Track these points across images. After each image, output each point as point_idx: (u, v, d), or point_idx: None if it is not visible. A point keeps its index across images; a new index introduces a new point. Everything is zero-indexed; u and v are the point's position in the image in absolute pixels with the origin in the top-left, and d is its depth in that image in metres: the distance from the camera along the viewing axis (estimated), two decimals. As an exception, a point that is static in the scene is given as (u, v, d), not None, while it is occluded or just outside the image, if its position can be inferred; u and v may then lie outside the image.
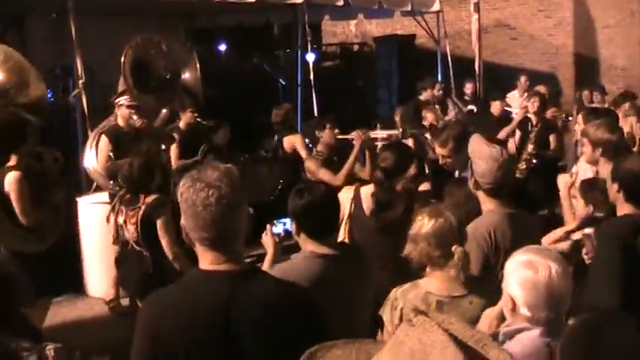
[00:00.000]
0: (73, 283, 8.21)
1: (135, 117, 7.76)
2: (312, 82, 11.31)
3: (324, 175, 7.38)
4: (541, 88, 11.53)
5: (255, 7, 11.88)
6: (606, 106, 11.61)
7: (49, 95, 11.40)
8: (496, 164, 4.34)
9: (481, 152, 4.44)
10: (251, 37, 16.59)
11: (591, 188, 5.12)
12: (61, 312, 7.64)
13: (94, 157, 7.96)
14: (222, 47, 16.73)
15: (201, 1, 10.26)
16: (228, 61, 16.07)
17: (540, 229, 4.92)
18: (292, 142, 8.52)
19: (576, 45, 17.34)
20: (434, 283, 3.65)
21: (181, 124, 9.12)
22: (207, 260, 2.77)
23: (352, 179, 7.07)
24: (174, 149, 8.75)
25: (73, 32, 8.53)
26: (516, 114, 10.22)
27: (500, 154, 4.39)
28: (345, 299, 3.84)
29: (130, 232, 6.10)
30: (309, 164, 7.76)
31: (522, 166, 9.27)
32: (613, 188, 4.35)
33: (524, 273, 2.87)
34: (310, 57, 11.88)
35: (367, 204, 5.53)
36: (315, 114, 10.87)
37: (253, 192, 8.09)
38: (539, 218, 4.86)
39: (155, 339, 2.67)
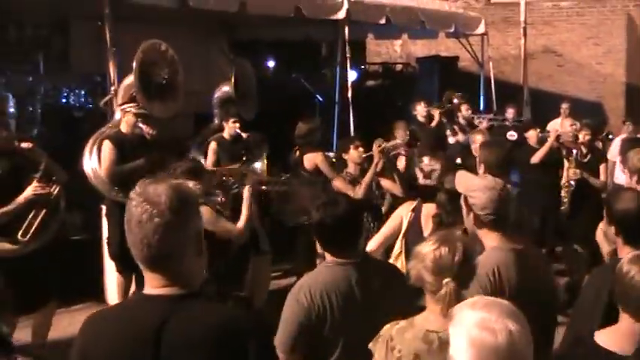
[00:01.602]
0: (94, 290, 8.15)
1: (141, 125, 7.71)
2: (350, 100, 11.22)
3: (347, 190, 7.55)
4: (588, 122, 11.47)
5: (296, 22, 11.83)
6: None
7: (88, 101, 11.56)
8: (495, 192, 4.06)
9: (474, 185, 4.21)
10: (297, 53, 16.57)
11: None
12: (78, 320, 7.54)
13: (95, 162, 7.86)
14: (271, 63, 16.76)
15: (240, 14, 10.17)
16: (269, 76, 16.07)
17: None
18: (313, 160, 8.35)
19: (626, 74, 17.02)
20: (431, 319, 3.35)
21: (225, 134, 9.21)
22: (148, 283, 2.58)
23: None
24: (210, 158, 8.79)
25: (108, 39, 8.51)
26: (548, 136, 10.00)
27: (494, 183, 4.15)
28: (368, 305, 3.82)
29: None
30: (337, 183, 7.91)
31: (565, 189, 9.17)
32: (610, 231, 4.09)
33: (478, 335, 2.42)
34: (351, 75, 11.77)
35: (426, 223, 5.48)
36: (352, 132, 10.81)
37: (294, 212, 8.04)
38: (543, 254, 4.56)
39: None
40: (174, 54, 8.63)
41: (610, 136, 11.46)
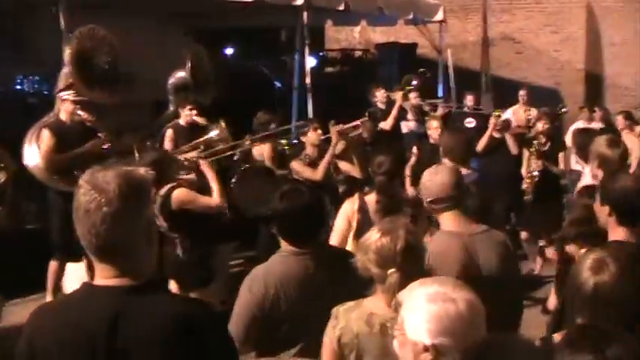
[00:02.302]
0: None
1: (80, 112, 7.60)
2: (309, 87, 11.18)
3: (306, 172, 7.74)
4: (530, 109, 11.97)
5: (255, 8, 11.74)
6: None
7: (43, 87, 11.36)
8: (443, 175, 4.25)
9: (425, 176, 4.35)
10: (258, 40, 16.47)
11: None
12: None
13: (35, 151, 7.63)
14: (229, 50, 16.62)
15: (198, 1, 10.08)
16: (228, 63, 15.94)
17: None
18: (261, 150, 8.40)
19: (582, 61, 17.19)
20: (377, 304, 3.34)
21: (181, 121, 9.11)
22: (98, 274, 2.49)
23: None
24: (167, 145, 8.69)
25: (63, 25, 8.38)
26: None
27: (442, 168, 4.35)
28: (324, 294, 3.72)
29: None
30: (295, 165, 8.00)
31: (528, 181, 9.23)
32: (603, 211, 4.01)
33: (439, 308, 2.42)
34: (310, 61, 11.72)
35: (372, 211, 5.49)
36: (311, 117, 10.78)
37: (253, 203, 8.00)
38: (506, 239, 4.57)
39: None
40: (113, 38, 8.41)
41: (564, 109, 11.67)
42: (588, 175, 6.58)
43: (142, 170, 2.55)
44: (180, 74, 10.15)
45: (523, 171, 9.57)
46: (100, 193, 2.36)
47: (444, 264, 3.96)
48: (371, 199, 5.55)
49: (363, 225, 5.34)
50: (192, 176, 6.88)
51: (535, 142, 9.48)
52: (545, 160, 9.42)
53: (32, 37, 11.70)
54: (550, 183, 9.46)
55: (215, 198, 6.36)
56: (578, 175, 8.74)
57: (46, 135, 7.51)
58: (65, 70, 8.07)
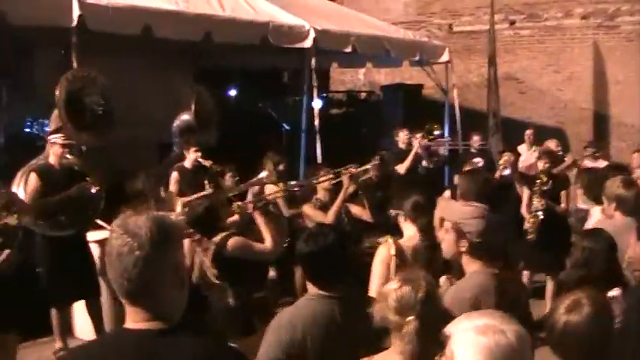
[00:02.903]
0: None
1: (68, 155, 7.54)
2: (317, 129, 11.23)
3: (318, 216, 7.76)
4: (551, 144, 11.84)
5: (261, 50, 11.84)
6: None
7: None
8: (484, 220, 4.21)
9: (467, 212, 4.30)
10: (261, 81, 16.57)
11: None
12: (45, 354, 7.43)
13: (22, 193, 7.49)
14: (233, 92, 16.71)
15: (206, 42, 10.16)
16: (234, 104, 16.03)
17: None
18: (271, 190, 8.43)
19: (585, 100, 17.25)
20: (391, 357, 3.34)
21: (186, 163, 9.13)
22: (129, 317, 2.52)
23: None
24: (172, 187, 8.70)
25: (75, 67, 8.39)
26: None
27: (483, 211, 4.26)
28: (349, 341, 3.75)
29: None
30: (307, 209, 8.13)
31: (531, 220, 9.18)
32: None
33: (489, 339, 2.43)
34: (316, 103, 11.78)
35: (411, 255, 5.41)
36: (319, 160, 10.83)
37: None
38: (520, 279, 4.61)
39: None
40: (104, 80, 8.37)
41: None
42: (595, 214, 6.62)
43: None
44: (185, 116, 10.21)
45: (523, 211, 9.54)
46: (133, 237, 2.41)
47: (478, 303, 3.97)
48: (408, 242, 5.45)
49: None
50: (235, 218, 6.95)
51: (537, 181, 9.47)
52: (548, 200, 9.38)
53: (42, 80, 11.79)
54: (556, 222, 9.37)
55: (268, 245, 6.35)
56: (585, 213, 8.74)
57: (32, 178, 7.39)
58: (55, 112, 8.03)
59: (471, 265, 4.24)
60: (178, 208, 7.07)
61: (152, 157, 11.69)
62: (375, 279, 5.24)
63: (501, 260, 4.54)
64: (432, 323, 3.15)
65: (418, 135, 11.66)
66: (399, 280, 3.37)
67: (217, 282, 6.21)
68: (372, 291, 5.17)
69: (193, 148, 9.13)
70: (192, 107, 10.08)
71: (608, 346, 3.19)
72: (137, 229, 2.42)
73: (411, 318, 3.23)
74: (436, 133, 12.17)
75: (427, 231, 5.43)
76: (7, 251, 6.34)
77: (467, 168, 9.69)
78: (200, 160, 9.06)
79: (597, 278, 4.22)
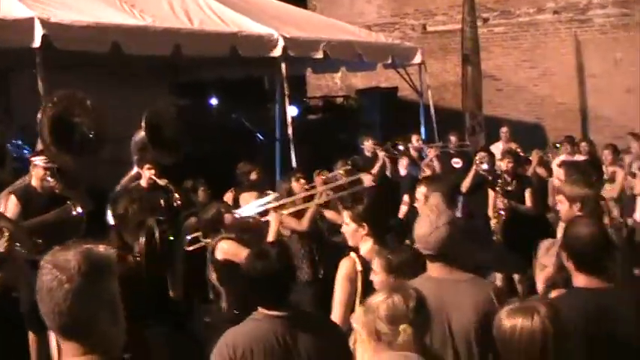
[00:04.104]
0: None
1: (50, 178, 7.40)
2: (291, 136, 11.21)
3: (292, 223, 7.79)
4: (512, 145, 12.05)
5: (233, 61, 11.83)
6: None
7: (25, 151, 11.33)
8: (441, 230, 4.15)
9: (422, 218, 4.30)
10: (239, 91, 16.53)
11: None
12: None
13: None
14: (214, 101, 16.64)
15: (176, 55, 10.13)
16: (209, 116, 15.98)
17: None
18: (248, 200, 8.35)
19: (562, 95, 17.31)
20: None
21: (143, 183, 8.71)
22: (65, 353, 2.46)
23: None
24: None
25: (41, 88, 8.35)
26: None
27: (436, 220, 4.18)
28: None
29: None
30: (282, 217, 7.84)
31: (494, 220, 9.17)
32: (563, 256, 4.04)
33: None
34: (292, 110, 11.77)
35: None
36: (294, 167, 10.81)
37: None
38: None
39: None
40: (89, 102, 8.18)
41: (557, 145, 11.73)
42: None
43: (102, 247, 2.54)
44: (142, 133, 9.94)
45: (489, 212, 9.52)
46: (62, 271, 2.37)
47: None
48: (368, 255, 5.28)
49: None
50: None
51: (499, 181, 9.45)
52: (511, 199, 9.31)
53: (16, 100, 11.76)
54: (521, 222, 9.25)
55: None
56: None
57: (11, 201, 7.28)
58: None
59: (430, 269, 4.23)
60: None
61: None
62: (339, 295, 5.13)
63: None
64: (424, 331, 3.29)
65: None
66: (388, 291, 3.35)
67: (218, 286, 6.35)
68: (336, 307, 5.11)
69: (147, 166, 8.68)
70: (143, 124, 9.66)
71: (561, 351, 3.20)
72: (66, 262, 2.38)
73: (404, 326, 3.21)
74: (400, 148, 12.01)
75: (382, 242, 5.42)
76: None
77: (425, 174, 9.70)
78: (154, 177, 8.77)
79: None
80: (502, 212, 9.16)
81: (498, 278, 9.23)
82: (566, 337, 3.09)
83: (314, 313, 5.03)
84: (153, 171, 8.60)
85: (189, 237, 6.85)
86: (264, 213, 7.38)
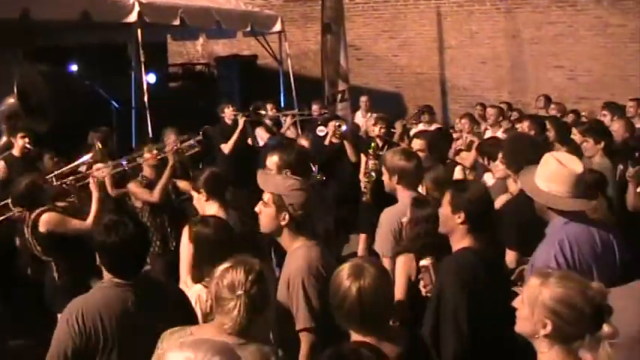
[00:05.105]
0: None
1: None
2: (147, 104, 10.93)
3: (144, 194, 7.66)
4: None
5: (92, 26, 11.44)
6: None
7: None
8: (305, 193, 4.24)
9: (288, 185, 4.29)
10: (101, 57, 15.95)
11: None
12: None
13: None
14: (74, 67, 16.01)
15: (24, 21, 9.67)
16: (70, 83, 15.39)
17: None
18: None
19: (420, 65, 17.64)
20: (205, 330, 3.32)
21: (15, 152, 8.67)
22: None
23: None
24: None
25: None
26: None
27: (302, 183, 4.29)
28: (145, 328, 3.64)
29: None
30: (132, 187, 7.83)
31: (365, 180, 9.29)
32: (454, 219, 4.17)
33: None
34: (150, 78, 11.48)
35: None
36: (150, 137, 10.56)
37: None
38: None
39: None
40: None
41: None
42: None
43: None
44: (10, 100, 9.63)
45: (361, 175, 9.64)
46: None
47: None
48: None
49: None
50: (72, 200, 7.01)
51: (372, 144, 9.59)
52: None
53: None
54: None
55: (88, 222, 6.41)
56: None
57: None
58: None
59: (294, 242, 4.23)
60: None
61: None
62: (184, 261, 5.15)
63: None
64: (259, 305, 3.25)
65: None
66: (233, 262, 3.33)
67: (44, 257, 6.36)
68: (183, 273, 5.13)
69: (20, 134, 8.64)
70: (15, 90, 9.44)
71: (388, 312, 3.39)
72: None
73: (240, 292, 3.21)
74: (262, 112, 11.92)
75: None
76: None
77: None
78: (28, 146, 8.60)
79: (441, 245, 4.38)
80: (372, 173, 9.28)
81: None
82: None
83: (161, 281, 5.06)
84: (27, 139, 8.44)
85: None
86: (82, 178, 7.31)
